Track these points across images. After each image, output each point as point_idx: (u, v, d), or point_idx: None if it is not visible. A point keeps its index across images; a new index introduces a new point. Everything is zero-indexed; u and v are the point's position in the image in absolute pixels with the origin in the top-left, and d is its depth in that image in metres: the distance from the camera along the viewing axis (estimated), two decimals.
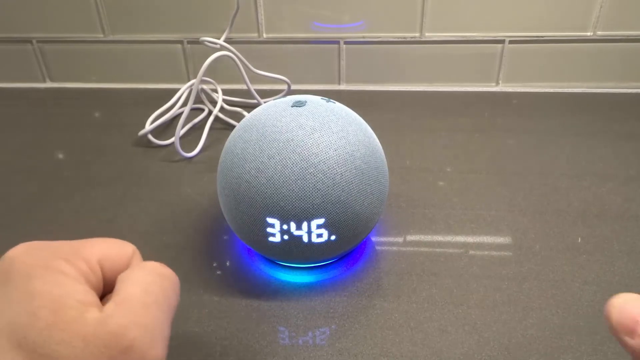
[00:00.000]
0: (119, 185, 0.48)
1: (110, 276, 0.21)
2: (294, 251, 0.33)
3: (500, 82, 0.64)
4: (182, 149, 0.51)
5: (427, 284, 0.35)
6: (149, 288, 0.20)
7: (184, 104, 0.58)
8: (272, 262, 0.38)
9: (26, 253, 0.20)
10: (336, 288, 0.35)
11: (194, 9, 0.62)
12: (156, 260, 0.39)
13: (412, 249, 0.39)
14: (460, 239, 0.40)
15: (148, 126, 0.54)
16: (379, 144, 0.36)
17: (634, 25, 0.59)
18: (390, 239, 0.40)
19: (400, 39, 0.62)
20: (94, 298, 0.19)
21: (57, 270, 0.19)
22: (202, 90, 0.60)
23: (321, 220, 0.32)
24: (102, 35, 0.65)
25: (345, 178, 0.31)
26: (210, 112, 0.59)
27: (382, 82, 0.66)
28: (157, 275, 0.21)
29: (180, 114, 0.57)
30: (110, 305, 0.19)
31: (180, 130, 0.50)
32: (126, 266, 0.22)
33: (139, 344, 0.18)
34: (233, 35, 0.62)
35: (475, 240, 0.39)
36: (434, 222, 0.41)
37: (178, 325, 0.32)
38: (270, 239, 0.33)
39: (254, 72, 0.57)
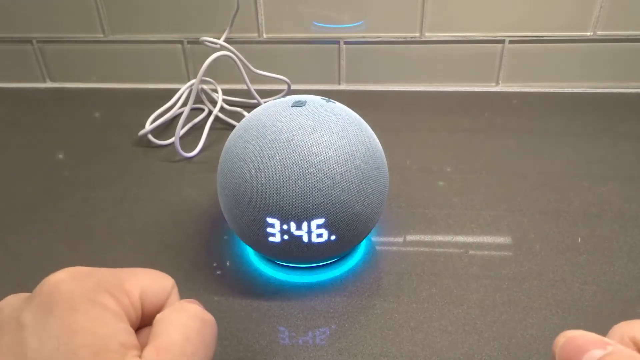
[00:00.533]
0: (119, 185, 0.48)
1: (149, 311, 0.21)
2: (294, 251, 0.33)
3: (500, 82, 0.64)
4: (182, 149, 0.51)
5: (427, 284, 0.35)
6: (190, 336, 0.20)
7: (184, 104, 0.58)
8: (272, 262, 0.38)
9: (71, 281, 0.19)
10: (336, 288, 0.35)
11: (194, 9, 0.62)
12: (156, 260, 0.39)
13: (412, 249, 0.39)
14: (460, 239, 0.40)
15: (148, 126, 0.54)
16: (379, 144, 0.36)
17: (634, 25, 0.59)
18: (390, 239, 0.40)
19: (400, 39, 0.62)
20: (134, 339, 0.19)
21: (101, 305, 0.19)
22: (202, 90, 0.60)
23: (321, 220, 0.32)
24: (102, 35, 0.65)
25: (345, 178, 0.31)
26: (210, 112, 0.59)
27: (382, 82, 0.66)
28: (199, 320, 0.21)
29: (180, 114, 0.57)
30: (151, 351, 0.18)
31: (180, 130, 0.50)
32: (165, 301, 0.21)
33: None
34: (233, 35, 0.62)
35: (475, 240, 0.39)
36: (434, 222, 0.41)
37: None
38: (270, 239, 0.33)
39: (254, 72, 0.57)
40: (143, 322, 0.21)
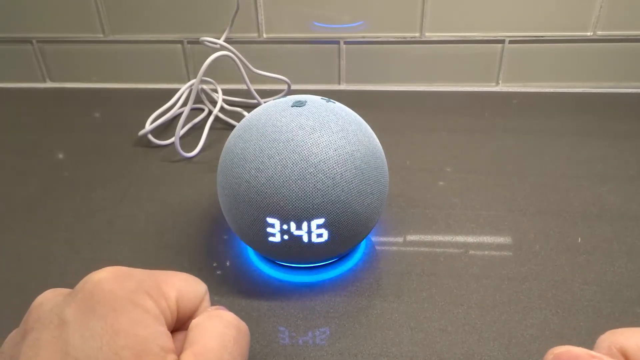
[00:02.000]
0: (119, 185, 0.48)
1: (182, 315, 0.21)
2: (294, 251, 0.33)
3: (500, 82, 0.64)
4: (182, 149, 0.51)
5: (427, 284, 0.35)
6: (227, 344, 0.20)
7: (184, 104, 0.58)
8: (272, 262, 0.38)
9: (113, 281, 0.19)
10: (336, 288, 0.35)
11: (194, 9, 0.62)
12: (156, 260, 0.39)
13: (412, 249, 0.39)
14: (460, 239, 0.40)
15: (148, 126, 0.54)
16: (379, 144, 0.36)
17: (634, 25, 0.59)
18: (390, 239, 0.40)
19: (400, 39, 0.62)
20: (172, 343, 0.19)
21: (142, 307, 0.19)
22: (202, 90, 0.60)
23: (321, 220, 0.32)
24: (102, 35, 0.65)
25: (345, 178, 0.31)
26: (210, 112, 0.59)
27: (382, 82, 0.66)
28: (234, 328, 0.21)
29: (180, 114, 0.57)
30: (189, 356, 0.19)
31: (180, 130, 0.50)
32: (198, 305, 0.22)
33: None
34: (233, 35, 0.62)
35: (475, 240, 0.39)
36: (434, 222, 0.41)
37: None
38: (270, 239, 0.33)
39: (254, 72, 0.57)
40: (176, 326, 0.21)
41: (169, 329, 0.20)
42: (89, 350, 0.17)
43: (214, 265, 0.38)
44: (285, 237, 0.32)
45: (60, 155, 0.54)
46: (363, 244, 0.39)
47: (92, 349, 0.17)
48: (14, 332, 0.20)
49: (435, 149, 0.52)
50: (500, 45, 0.62)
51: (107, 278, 0.19)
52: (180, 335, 0.21)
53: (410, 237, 0.40)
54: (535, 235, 0.40)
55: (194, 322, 0.20)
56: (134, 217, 0.43)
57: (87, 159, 0.52)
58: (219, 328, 0.20)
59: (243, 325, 0.22)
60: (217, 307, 0.22)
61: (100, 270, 0.20)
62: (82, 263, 0.39)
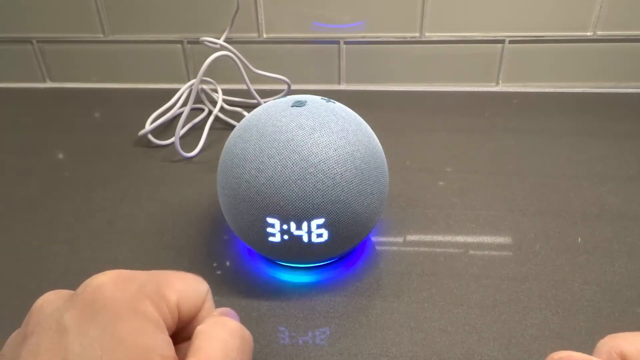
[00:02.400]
0: (119, 185, 0.48)
1: (185, 316, 0.21)
2: (294, 251, 0.33)
3: (500, 82, 0.64)
4: (182, 149, 0.51)
5: (427, 284, 0.35)
6: (230, 353, 0.20)
7: (184, 104, 0.58)
8: (272, 262, 0.38)
9: (113, 285, 0.19)
10: (336, 288, 0.35)
11: (194, 9, 0.62)
12: (156, 260, 0.39)
13: (412, 249, 0.39)
14: (460, 239, 0.40)
15: (148, 126, 0.54)
16: (379, 144, 0.36)
17: (634, 25, 0.59)
18: (390, 239, 0.40)
19: (400, 39, 0.62)
20: (173, 351, 0.19)
21: (143, 314, 0.19)
22: (202, 90, 0.60)
23: (321, 220, 0.32)
24: (102, 35, 0.65)
25: (345, 178, 0.31)
26: (210, 112, 0.59)
27: (382, 82, 0.66)
28: (238, 338, 0.21)
29: (180, 114, 0.57)
30: None
31: (180, 130, 0.50)
32: (200, 306, 0.22)
33: None
34: (233, 35, 0.62)
35: (475, 240, 0.39)
36: (434, 222, 0.41)
37: None
38: (270, 239, 0.33)
39: (254, 72, 0.57)
40: (178, 327, 0.21)
41: (170, 333, 0.20)
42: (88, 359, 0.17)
43: (214, 265, 0.38)
44: (285, 237, 0.32)
45: (60, 155, 0.54)
46: (363, 244, 0.39)
47: (92, 359, 0.17)
48: (15, 333, 0.20)
49: (435, 149, 0.52)
50: (500, 45, 0.62)
51: (108, 282, 0.19)
52: (184, 347, 0.20)
53: (410, 237, 0.40)
54: (535, 235, 0.40)
55: (198, 329, 0.20)
56: (134, 217, 0.43)
57: (87, 159, 0.52)
58: (223, 336, 0.20)
59: (247, 334, 0.21)
60: (222, 309, 0.22)
61: (101, 274, 0.20)
62: (82, 263, 0.39)
